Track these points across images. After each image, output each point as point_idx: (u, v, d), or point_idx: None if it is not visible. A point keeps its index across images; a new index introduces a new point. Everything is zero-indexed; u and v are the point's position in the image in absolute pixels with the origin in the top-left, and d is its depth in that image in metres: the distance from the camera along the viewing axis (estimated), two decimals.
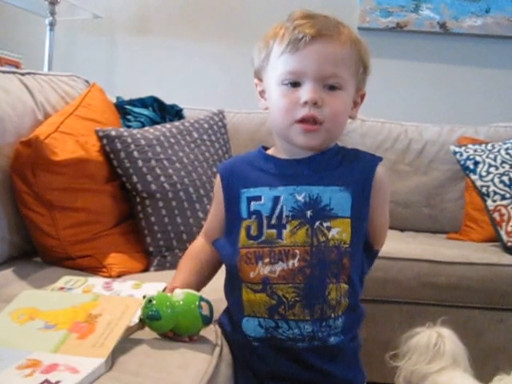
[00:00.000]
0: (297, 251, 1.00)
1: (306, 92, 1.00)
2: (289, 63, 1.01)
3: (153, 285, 1.18)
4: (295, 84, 1.01)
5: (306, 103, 0.99)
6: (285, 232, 1.01)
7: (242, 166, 1.10)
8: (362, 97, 1.12)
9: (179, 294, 0.98)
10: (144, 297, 0.97)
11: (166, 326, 0.96)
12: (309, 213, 1.01)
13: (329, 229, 1.00)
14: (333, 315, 1.01)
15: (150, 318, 0.94)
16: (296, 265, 0.99)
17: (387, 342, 1.91)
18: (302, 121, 1.00)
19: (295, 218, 1.01)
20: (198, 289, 1.09)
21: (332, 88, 1.01)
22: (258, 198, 1.04)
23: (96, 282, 1.23)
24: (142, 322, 0.97)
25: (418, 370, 1.40)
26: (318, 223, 1.00)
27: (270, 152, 1.12)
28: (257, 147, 1.15)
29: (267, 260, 1.01)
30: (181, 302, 0.96)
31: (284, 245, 1.00)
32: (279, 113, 1.03)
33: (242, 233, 1.04)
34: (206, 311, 0.98)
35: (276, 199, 1.02)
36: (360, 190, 1.03)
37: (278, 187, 1.03)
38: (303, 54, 1.00)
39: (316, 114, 1.00)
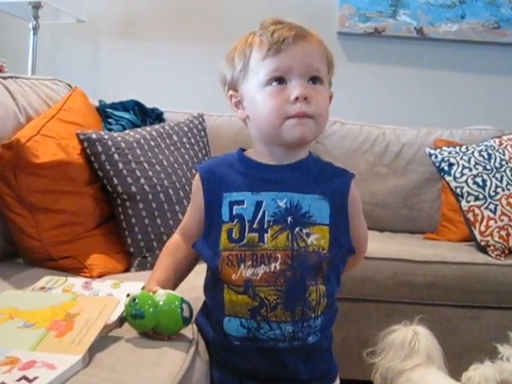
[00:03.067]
0: (278, 255, 1.02)
1: (295, 88, 1.01)
2: (273, 64, 1.02)
3: (131, 284, 1.20)
4: (281, 81, 1.02)
5: (296, 99, 1.00)
6: (266, 236, 1.02)
7: (223, 169, 1.10)
8: (330, 98, 1.13)
9: (162, 295, 0.99)
10: (128, 295, 0.98)
11: (147, 325, 0.98)
12: (289, 219, 1.03)
13: (308, 235, 1.03)
14: (313, 315, 1.03)
15: (134, 316, 0.96)
16: (278, 268, 1.01)
17: (365, 339, 1.95)
18: (294, 117, 1.01)
19: (276, 223, 1.03)
20: (176, 285, 1.12)
21: (315, 81, 1.03)
22: (241, 203, 1.04)
23: (76, 282, 1.24)
24: (124, 320, 0.99)
25: (394, 367, 1.43)
26: (297, 229, 1.03)
27: (248, 155, 1.12)
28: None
29: (249, 263, 1.02)
30: (162, 303, 0.98)
31: (266, 248, 1.02)
32: (269, 113, 1.03)
33: (223, 236, 1.04)
34: (186, 313, 1.00)
35: (258, 204, 1.03)
36: (337, 201, 1.07)
37: (261, 192, 1.04)
38: (287, 54, 1.01)
39: (307, 110, 1.01)
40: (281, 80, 1.02)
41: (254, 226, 1.03)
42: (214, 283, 1.08)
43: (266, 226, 1.03)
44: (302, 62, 1.02)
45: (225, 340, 1.06)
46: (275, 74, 1.02)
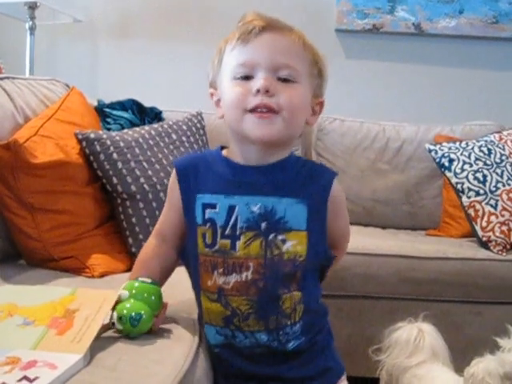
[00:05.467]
0: (250, 264, 0.98)
1: (257, 81, 0.96)
2: (241, 55, 0.98)
3: None
4: (248, 78, 0.97)
5: (258, 91, 0.95)
6: (238, 244, 0.98)
7: (199, 168, 1.05)
8: (321, 105, 1.08)
9: (125, 293, 0.98)
10: (113, 324, 0.96)
11: (149, 316, 0.96)
12: (263, 225, 0.98)
13: (283, 241, 0.99)
14: (289, 323, 1.01)
15: (135, 323, 0.94)
16: (249, 277, 0.98)
17: (370, 336, 1.95)
18: (255, 110, 0.96)
19: (250, 230, 0.98)
20: None
21: (286, 81, 0.98)
22: (213, 206, 1.00)
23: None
24: (132, 337, 0.96)
25: (399, 364, 1.43)
26: (272, 236, 0.98)
27: (225, 154, 1.07)
28: None
29: (221, 270, 0.99)
30: (134, 295, 0.97)
31: (238, 256, 0.98)
32: (231, 104, 0.99)
33: (200, 239, 1.01)
34: (148, 280, 1.00)
35: (231, 209, 0.99)
36: (316, 204, 1.01)
37: (234, 196, 0.99)
38: (254, 45, 0.97)
39: (269, 102, 0.95)
40: (247, 77, 0.98)
41: (227, 232, 0.99)
42: (194, 288, 1.06)
43: (238, 232, 0.98)
44: (268, 54, 0.97)
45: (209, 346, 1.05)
46: (241, 69, 0.98)
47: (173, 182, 1.08)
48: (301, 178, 1.04)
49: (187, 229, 1.05)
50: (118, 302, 0.98)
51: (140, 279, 1.00)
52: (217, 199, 1.00)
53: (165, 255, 1.10)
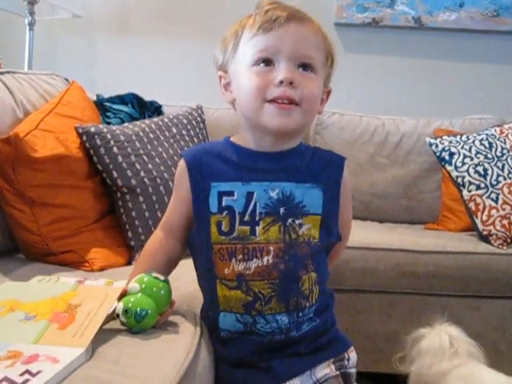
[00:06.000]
0: (271, 248, 0.98)
1: (281, 71, 0.96)
2: (262, 42, 0.97)
3: (125, 282, 1.12)
4: (268, 62, 0.97)
5: (281, 83, 0.95)
6: (258, 229, 0.99)
7: (210, 157, 1.04)
8: (328, 94, 1.09)
9: (135, 286, 0.97)
10: (118, 316, 0.95)
11: (154, 314, 0.95)
12: (282, 210, 0.99)
13: (300, 226, 1.00)
14: (308, 304, 1.02)
15: (140, 319, 0.94)
16: (270, 261, 0.98)
17: (368, 330, 1.97)
18: (275, 101, 0.96)
19: (268, 215, 0.99)
20: None
21: (306, 68, 0.98)
22: (231, 194, 1.00)
23: (68, 281, 1.21)
24: (134, 331, 0.96)
25: (434, 370, 1.39)
26: (290, 220, 1.00)
27: (235, 141, 1.07)
28: None
29: (240, 257, 0.99)
30: (144, 289, 0.96)
31: (257, 242, 0.99)
32: (250, 93, 0.98)
33: (213, 228, 1.00)
34: (162, 277, 0.99)
35: (249, 195, 0.99)
36: (330, 188, 1.04)
37: (251, 183, 1.00)
38: (278, 33, 0.97)
39: (292, 95, 0.96)
40: (268, 62, 0.97)
41: (245, 218, 0.99)
42: (206, 278, 1.05)
43: (257, 218, 0.99)
44: (292, 44, 0.97)
45: (220, 335, 1.04)
46: (262, 54, 0.97)
47: (181, 174, 1.07)
48: (314, 163, 1.05)
49: (196, 220, 1.04)
50: (126, 294, 0.97)
51: (153, 274, 0.99)
52: (234, 186, 1.00)
53: (171, 248, 1.10)
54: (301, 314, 1.02)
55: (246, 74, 0.99)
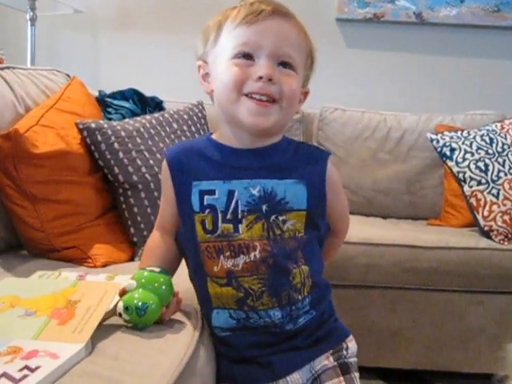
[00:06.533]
0: (256, 244, 0.98)
1: (261, 67, 0.95)
2: (245, 35, 0.96)
3: (125, 277, 1.15)
4: (248, 57, 0.96)
5: (260, 78, 0.94)
6: (241, 226, 0.99)
7: (191, 155, 1.04)
8: (306, 94, 1.08)
9: (132, 283, 0.97)
10: (120, 314, 0.95)
11: (157, 307, 0.95)
12: (264, 207, 0.99)
13: (284, 222, 1.00)
14: (300, 297, 1.02)
15: (141, 313, 0.93)
16: (258, 256, 0.98)
17: (370, 326, 1.97)
18: (252, 96, 0.95)
19: (251, 213, 0.99)
20: None
21: (285, 66, 0.97)
22: (212, 192, 0.99)
23: (69, 275, 1.22)
24: (140, 328, 0.96)
25: None
26: (273, 217, 0.99)
27: (215, 138, 1.06)
28: None
29: (228, 253, 0.99)
30: (142, 284, 0.96)
31: (242, 238, 0.98)
32: (227, 85, 0.96)
33: (198, 227, 1.00)
34: (157, 269, 0.99)
35: (231, 193, 0.99)
36: (315, 183, 1.02)
37: (232, 180, 0.99)
38: (260, 27, 0.96)
39: (271, 91, 0.95)
40: (248, 56, 0.96)
41: (228, 216, 0.99)
42: (197, 276, 1.05)
43: (240, 216, 0.99)
44: (274, 42, 0.95)
45: (214, 331, 1.05)
46: (243, 48, 0.96)
47: (164, 173, 1.07)
48: (297, 159, 1.04)
49: (182, 218, 1.04)
50: (125, 292, 0.97)
51: (148, 268, 0.99)
52: (215, 185, 1.00)
53: (169, 245, 1.10)
54: (294, 308, 1.02)
55: (225, 66, 0.98)
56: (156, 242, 1.12)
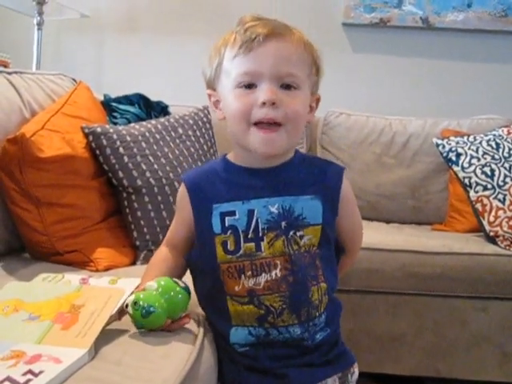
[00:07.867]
0: (277, 261, 1.00)
1: (263, 92, 0.97)
2: (243, 64, 0.98)
3: (129, 280, 1.16)
4: (250, 86, 0.98)
5: (263, 104, 0.96)
6: (263, 244, 1.01)
7: (209, 179, 1.08)
8: (318, 101, 1.10)
9: (153, 285, 0.98)
10: (127, 306, 0.96)
11: (162, 316, 0.96)
12: (283, 224, 1.01)
13: (301, 237, 1.02)
14: (317, 314, 1.03)
15: (146, 315, 0.94)
16: (279, 274, 1.00)
17: (373, 331, 1.96)
18: (260, 124, 0.98)
19: (271, 230, 1.01)
20: None
21: (289, 87, 0.99)
22: (232, 213, 1.02)
23: (73, 278, 1.22)
24: (138, 326, 0.97)
25: None
26: (291, 233, 1.01)
27: (231, 159, 1.09)
28: None
29: (249, 273, 1.01)
30: (160, 289, 0.97)
31: (264, 257, 1.01)
32: (235, 116, 1.00)
33: (219, 248, 1.02)
34: (182, 284, 1.00)
35: (250, 213, 1.01)
36: (329, 198, 1.05)
37: (251, 200, 1.02)
38: (257, 54, 0.97)
39: (275, 116, 0.97)
40: (250, 85, 0.98)
41: (249, 235, 1.01)
42: (213, 296, 1.06)
43: (261, 234, 1.01)
44: (272, 65, 0.97)
45: (230, 349, 1.05)
46: (244, 78, 0.98)
47: (182, 197, 1.10)
48: (312, 174, 1.07)
49: (200, 241, 1.06)
50: (143, 289, 0.99)
51: (174, 279, 1.01)
52: (234, 206, 1.02)
53: (175, 261, 1.12)
54: (311, 324, 1.03)
55: (231, 96, 1.00)
56: (162, 256, 1.13)
